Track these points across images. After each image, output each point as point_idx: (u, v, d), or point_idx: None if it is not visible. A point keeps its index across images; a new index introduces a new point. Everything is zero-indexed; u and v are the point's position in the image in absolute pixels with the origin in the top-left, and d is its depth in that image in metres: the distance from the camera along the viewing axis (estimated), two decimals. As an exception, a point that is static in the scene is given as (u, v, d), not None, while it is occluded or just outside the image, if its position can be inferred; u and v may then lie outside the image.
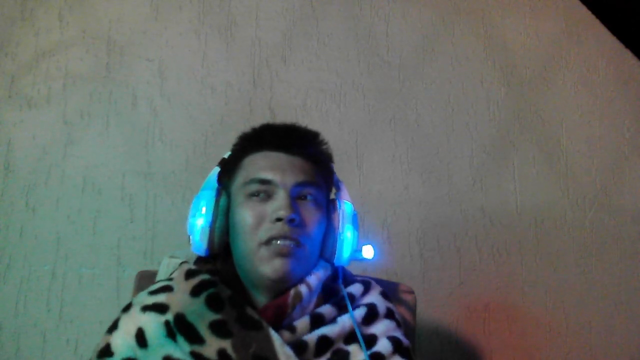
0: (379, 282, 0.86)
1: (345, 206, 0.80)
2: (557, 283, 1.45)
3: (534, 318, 1.43)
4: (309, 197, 0.75)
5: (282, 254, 0.70)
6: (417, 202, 1.42)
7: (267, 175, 0.73)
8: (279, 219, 0.70)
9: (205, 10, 1.40)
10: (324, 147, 0.83)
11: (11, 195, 1.21)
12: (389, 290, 0.85)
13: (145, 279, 0.95)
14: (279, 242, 0.70)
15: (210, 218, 0.74)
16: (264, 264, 0.71)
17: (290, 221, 0.70)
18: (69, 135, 1.26)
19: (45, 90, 1.27)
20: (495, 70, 1.55)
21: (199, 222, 0.74)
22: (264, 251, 0.71)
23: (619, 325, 1.47)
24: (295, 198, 0.74)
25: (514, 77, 1.56)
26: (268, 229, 0.71)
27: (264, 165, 0.75)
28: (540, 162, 1.52)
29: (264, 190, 0.73)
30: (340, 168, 1.39)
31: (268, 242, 0.71)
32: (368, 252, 0.81)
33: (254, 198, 0.73)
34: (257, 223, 0.72)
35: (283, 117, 1.37)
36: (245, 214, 0.73)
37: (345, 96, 1.44)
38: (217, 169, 0.81)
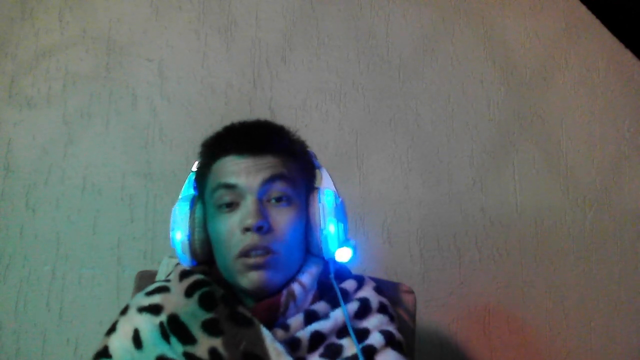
0: (379, 282, 0.86)
1: (326, 197, 0.76)
2: (557, 283, 1.45)
3: (534, 318, 1.43)
4: (280, 197, 0.72)
5: (256, 266, 0.69)
6: (417, 202, 1.42)
7: (231, 179, 0.71)
8: (247, 229, 0.69)
9: (205, 10, 1.40)
10: (293, 137, 0.79)
11: (11, 195, 1.21)
12: (389, 290, 0.84)
13: (145, 279, 0.95)
14: (251, 253, 0.69)
15: (188, 232, 0.74)
16: (241, 276, 0.71)
17: (259, 229, 0.69)
18: (69, 135, 1.27)
19: (45, 90, 1.28)
20: (495, 70, 1.55)
21: (178, 236, 0.74)
22: (239, 264, 0.70)
23: (619, 325, 1.47)
24: (265, 201, 0.72)
25: (514, 77, 1.56)
26: (239, 241, 0.70)
27: (228, 171, 0.72)
28: (540, 162, 1.52)
29: (231, 199, 0.71)
30: (340, 168, 1.40)
31: (241, 254, 0.70)
32: (343, 255, 0.76)
33: (224, 208, 0.72)
34: (229, 236, 0.70)
35: (283, 117, 1.37)
36: (218, 228, 0.72)
37: (345, 96, 1.44)
38: (192, 175, 0.80)
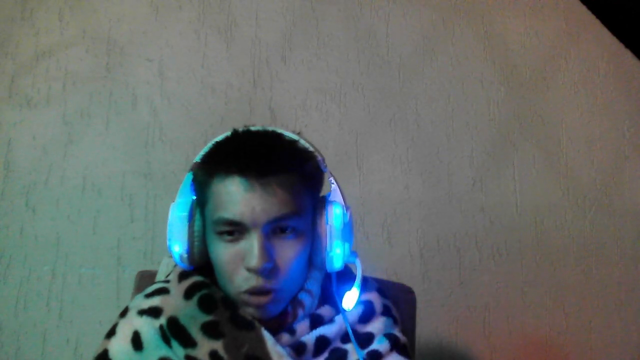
0: (378, 282, 0.86)
1: (334, 219, 0.71)
2: (557, 283, 1.45)
3: (534, 318, 1.42)
4: (286, 229, 0.68)
5: (258, 304, 0.67)
6: (417, 202, 1.42)
7: (236, 216, 0.65)
8: (250, 269, 0.65)
9: (205, 10, 1.40)
10: (303, 154, 0.73)
11: (11, 195, 1.21)
12: (389, 291, 0.84)
13: (145, 279, 0.95)
14: (253, 295, 0.67)
15: (186, 245, 0.70)
16: (243, 307, 0.69)
17: (263, 270, 0.65)
18: (69, 135, 1.26)
19: (45, 90, 1.27)
20: (495, 70, 1.55)
21: (176, 248, 0.70)
22: (240, 298, 0.68)
23: (619, 325, 1.47)
24: (270, 233, 0.67)
25: (514, 77, 1.56)
26: (242, 280, 0.66)
27: (231, 200, 0.66)
28: (540, 162, 1.52)
29: (233, 230, 0.66)
30: (340, 168, 1.40)
31: (244, 292, 0.67)
32: (348, 301, 0.73)
33: (226, 237, 0.67)
34: (231, 269, 0.67)
35: (283, 117, 1.37)
36: (219, 255, 0.68)
37: (345, 96, 1.44)
38: (190, 175, 0.74)
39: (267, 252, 0.65)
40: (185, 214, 0.71)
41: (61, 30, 1.31)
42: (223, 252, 0.67)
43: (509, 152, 1.51)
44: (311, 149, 0.75)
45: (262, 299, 0.67)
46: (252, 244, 0.65)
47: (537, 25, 1.61)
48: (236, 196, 0.66)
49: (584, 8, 1.64)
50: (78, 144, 1.27)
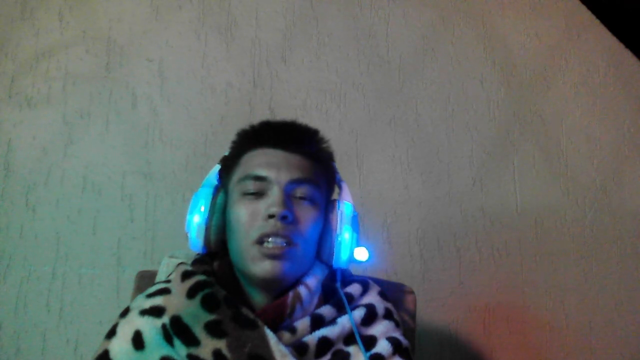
0: (379, 282, 0.86)
1: (345, 207, 0.78)
2: (557, 283, 1.45)
3: (534, 318, 1.42)
4: (304, 196, 0.74)
5: (273, 255, 0.70)
6: (417, 202, 1.42)
7: (262, 172, 0.73)
8: (271, 216, 0.70)
9: (205, 10, 1.40)
10: (324, 145, 0.82)
11: (11, 195, 1.21)
12: (389, 291, 0.84)
13: (145, 279, 0.95)
14: (270, 240, 0.70)
15: (206, 215, 0.75)
16: (255, 264, 0.70)
17: (283, 218, 0.70)
18: (69, 135, 1.27)
19: (45, 90, 1.28)
20: (495, 70, 1.55)
21: (196, 219, 0.75)
22: (255, 251, 0.70)
23: (619, 325, 1.47)
24: (290, 196, 0.73)
25: (514, 77, 1.56)
26: (260, 227, 0.70)
27: (259, 162, 0.74)
28: (540, 162, 1.52)
29: (258, 187, 0.73)
30: (340, 168, 1.38)
31: (260, 240, 0.70)
32: (361, 254, 0.79)
33: (249, 196, 0.73)
34: (251, 221, 0.71)
35: (283, 117, 1.36)
36: (240, 212, 0.72)
37: (345, 96, 1.44)
38: (217, 167, 0.81)
39: (287, 203, 0.71)
40: (210, 189, 0.77)
41: (61, 30, 1.31)
42: (245, 209, 0.72)
43: (509, 152, 1.51)
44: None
45: (277, 249, 0.69)
46: (273, 196, 0.71)
47: (537, 25, 1.61)
48: (263, 159, 0.75)
49: (584, 8, 1.64)
50: (78, 144, 1.27)
